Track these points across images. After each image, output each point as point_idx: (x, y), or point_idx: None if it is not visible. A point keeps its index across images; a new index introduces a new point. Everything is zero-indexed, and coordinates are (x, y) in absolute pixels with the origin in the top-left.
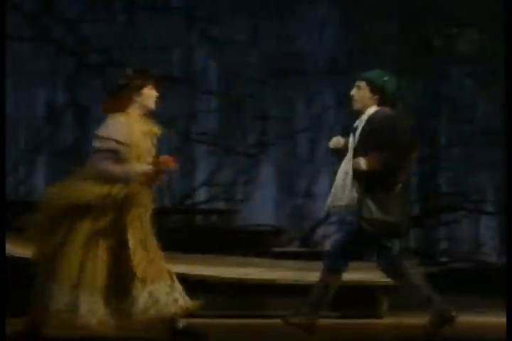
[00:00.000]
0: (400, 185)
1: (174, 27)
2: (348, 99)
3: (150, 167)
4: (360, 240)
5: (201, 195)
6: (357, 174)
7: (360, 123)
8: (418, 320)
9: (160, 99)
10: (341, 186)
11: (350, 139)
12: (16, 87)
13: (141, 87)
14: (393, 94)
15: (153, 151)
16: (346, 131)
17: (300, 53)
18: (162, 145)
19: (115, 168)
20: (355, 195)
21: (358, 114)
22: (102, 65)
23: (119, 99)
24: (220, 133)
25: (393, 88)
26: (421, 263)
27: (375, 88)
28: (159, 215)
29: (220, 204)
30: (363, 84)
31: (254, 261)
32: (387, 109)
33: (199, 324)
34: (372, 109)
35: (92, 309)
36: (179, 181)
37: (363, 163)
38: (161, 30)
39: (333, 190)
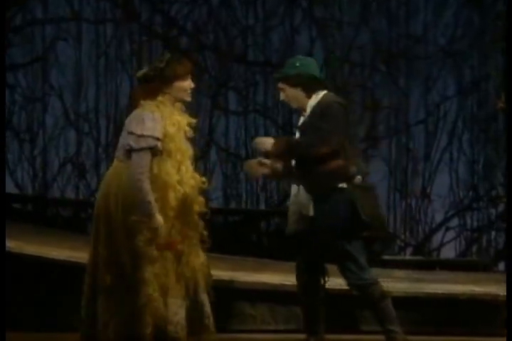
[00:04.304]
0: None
1: (274, 7)
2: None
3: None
4: None
5: None
6: None
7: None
8: None
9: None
10: None
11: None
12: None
13: (172, 80)
14: (313, 76)
15: (187, 146)
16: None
17: (415, 35)
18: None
19: (147, 192)
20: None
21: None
22: (194, 49)
23: (150, 87)
24: None
25: (311, 69)
26: None
27: (292, 81)
28: (256, 219)
29: None
30: (281, 85)
31: None
32: (331, 95)
33: None
34: (316, 97)
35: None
36: (276, 182)
37: (269, 143)
38: (259, 10)
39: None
